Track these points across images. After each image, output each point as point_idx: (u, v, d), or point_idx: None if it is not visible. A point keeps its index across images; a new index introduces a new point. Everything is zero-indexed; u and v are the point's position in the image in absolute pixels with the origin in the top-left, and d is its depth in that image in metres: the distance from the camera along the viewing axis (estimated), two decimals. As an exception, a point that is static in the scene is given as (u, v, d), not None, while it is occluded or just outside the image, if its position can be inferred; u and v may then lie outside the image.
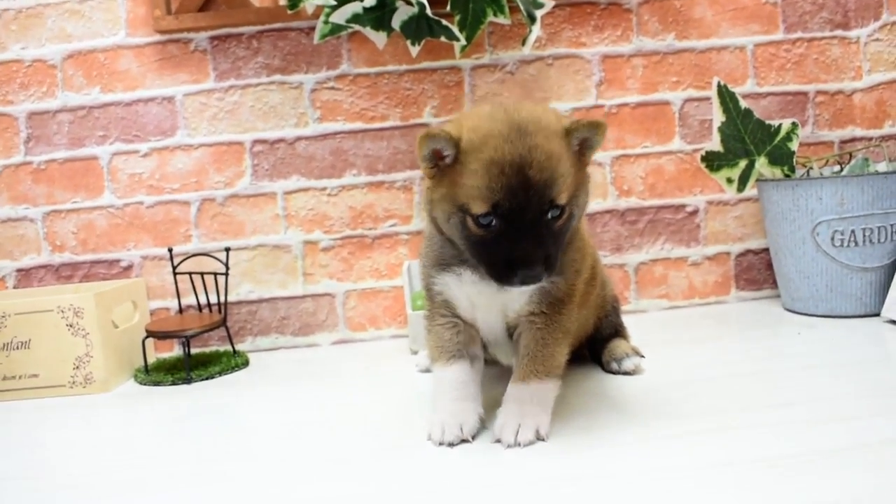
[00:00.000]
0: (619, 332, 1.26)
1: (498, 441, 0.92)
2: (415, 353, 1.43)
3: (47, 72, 1.58)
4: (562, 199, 0.88)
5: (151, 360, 1.53)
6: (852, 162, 1.46)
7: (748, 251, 1.67)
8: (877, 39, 1.56)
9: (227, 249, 1.53)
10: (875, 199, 1.35)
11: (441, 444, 0.93)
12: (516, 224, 0.87)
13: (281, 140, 1.60)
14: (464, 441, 0.94)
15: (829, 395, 0.99)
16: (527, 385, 0.97)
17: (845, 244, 1.38)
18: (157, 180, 1.60)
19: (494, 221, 0.87)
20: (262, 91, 1.59)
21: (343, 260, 1.62)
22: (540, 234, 0.87)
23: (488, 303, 0.99)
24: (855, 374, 1.07)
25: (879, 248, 1.37)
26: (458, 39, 1.41)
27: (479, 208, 0.87)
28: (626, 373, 1.18)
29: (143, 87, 1.58)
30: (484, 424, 0.97)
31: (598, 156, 1.61)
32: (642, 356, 1.21)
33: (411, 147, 1.60)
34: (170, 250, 1.54)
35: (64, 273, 1.62)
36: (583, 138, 0.90)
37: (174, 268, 1.53)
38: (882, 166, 1.45)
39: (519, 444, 0.90)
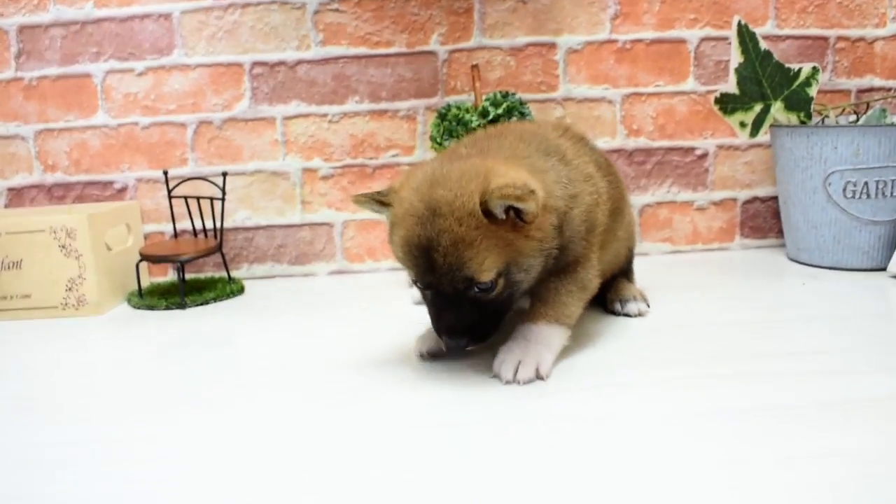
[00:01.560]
0: (627, 274, 1.24)
1: (496, 377, 0.91)
2: (411, 285, 1.41)
3: (39, -19, 1.51)
4: (484, 277, 0.83)
5: (145, 284, 1.51)
6: (868, 112, 1.42)
7: (755, 198, 1.64)
8: (905, -17, 1.50)
9: (224, 174, 1.49)
10: (892, 152, 1.31)
11: (421, 354, 0.98)
12: (440, 296, 0.87)
13: (281, 63, 1.54)
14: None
15: (833, 348, 0.98)
16: (534, 325, 0.94)
17: (857, 196, 1.35)
18: (153, 101, 1.55)
19: (425, 287, 0.89)
20: (262, 11, 1.52)
21: (343, 189, 1.58)
22: (463, 309, 0.86)
23: None
24: (859, 328, 1.06)
25: (892, 202, 1.34)
26: (470, -37, 1.35)
27: (410, 274, 0.89)
28: (627, 315, 1.16)
29: (138, 2, 1.51)
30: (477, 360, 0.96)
31: (609, 93, 1.57)
32: (648, 305, 1.19)
33: (417, 75, 1.54)
34: (165, 173, 1.50)
35: (56, 193, 1.58)
36: (508, 206, 0.82)
37: (169, 191, 1.50)
38: (899, 117, 1.41)
39: (518, 382, 0.88)
